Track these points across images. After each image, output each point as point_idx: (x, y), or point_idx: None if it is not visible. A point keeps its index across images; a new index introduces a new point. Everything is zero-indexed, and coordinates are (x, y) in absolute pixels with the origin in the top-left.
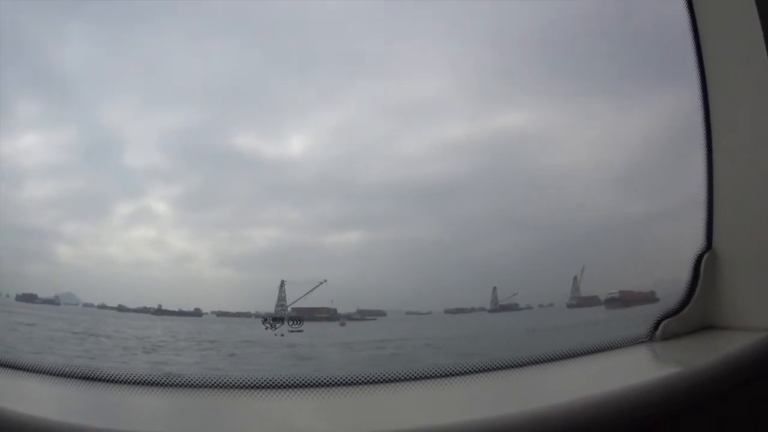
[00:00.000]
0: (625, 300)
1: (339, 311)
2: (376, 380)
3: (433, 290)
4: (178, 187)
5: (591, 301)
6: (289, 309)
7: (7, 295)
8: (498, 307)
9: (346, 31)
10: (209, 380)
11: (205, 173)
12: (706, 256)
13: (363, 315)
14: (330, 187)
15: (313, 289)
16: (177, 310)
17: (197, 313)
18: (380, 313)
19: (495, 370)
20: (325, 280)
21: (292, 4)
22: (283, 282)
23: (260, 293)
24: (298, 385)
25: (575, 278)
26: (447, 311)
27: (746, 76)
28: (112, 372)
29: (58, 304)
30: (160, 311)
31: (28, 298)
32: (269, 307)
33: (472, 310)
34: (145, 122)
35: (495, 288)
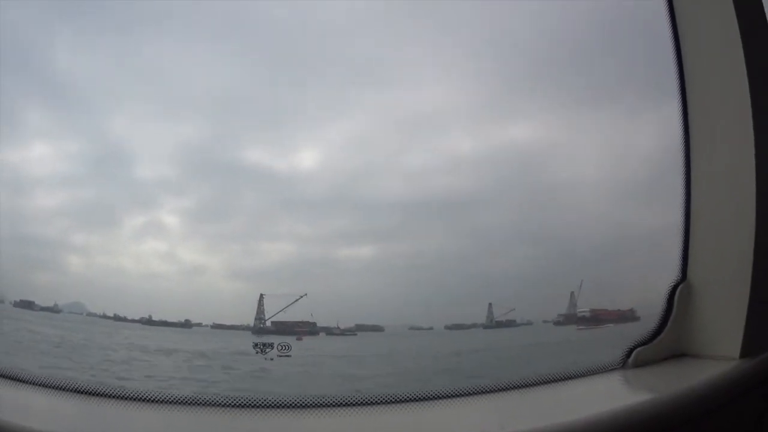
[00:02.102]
0: (596, 319)
1: (329, 325)
2: (371, 402)
3: (438, 305)
4: (188, 199)
5: (575, 319)
6: (268, 323)
7: (12, 302)
8: (494, 324)
9: (356, 42)
10: (218, 399)
11: (215, 186)
12: (680, 286)
13: (344, 330)
14: (340, 200)
15: (292, 302)
16: (165, 320)
17: (187, 324)
18: (376, 328)
19: (467, 395)
20: (305, 294)
21: (301, 14)
22: (262, 296)
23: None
24: (308, 405)
25: (572, 293)
26: (447, 327)
27: (726, 110)
28: (119, 389)
29: (58, 312)
30: (149, 321)
31: (27, 305)
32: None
33: (473, 326)
34: (155, 133)
35: (491, 304)
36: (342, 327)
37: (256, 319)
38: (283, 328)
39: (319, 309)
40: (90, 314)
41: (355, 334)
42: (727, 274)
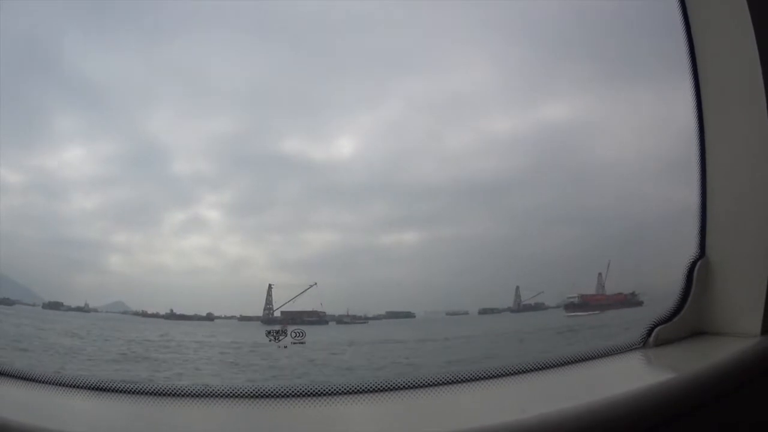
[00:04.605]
0: (585, 305)
1: (340, 313)
2: (375, 389)
3: (474, 289)
4: (227, 193)
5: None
6: (277, 313)
7: (42, 304)
8: (521, 308)
9: (387, 30)
10: (225, 391)
11: (253, 179)
12: (699, 263)
13: (354, 319)
14: (378, 188)
15: (301, 292)
16: (186, 314)
17: (209, 317)
18: (407, 315)
19: (489, 378)
20: (315, 283)
21: (332, 5)
22: (270, 286)
23: (302, 297)
24: (322, 393)
25: (600, 275)
26: (480, 311)
27: (740, 85)
28: (144, 384)
29: (88, 311)
30: (171, 315)
31: (54, 306)
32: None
33: (508, 309)
34: (190, 130)
35: (518, 287)
36: (351, 315)
37: (264, 309)
38: (292, 318)
39: (350, 297)
40: (124, 312)
41: (366, 323)
42: (746, 249)
